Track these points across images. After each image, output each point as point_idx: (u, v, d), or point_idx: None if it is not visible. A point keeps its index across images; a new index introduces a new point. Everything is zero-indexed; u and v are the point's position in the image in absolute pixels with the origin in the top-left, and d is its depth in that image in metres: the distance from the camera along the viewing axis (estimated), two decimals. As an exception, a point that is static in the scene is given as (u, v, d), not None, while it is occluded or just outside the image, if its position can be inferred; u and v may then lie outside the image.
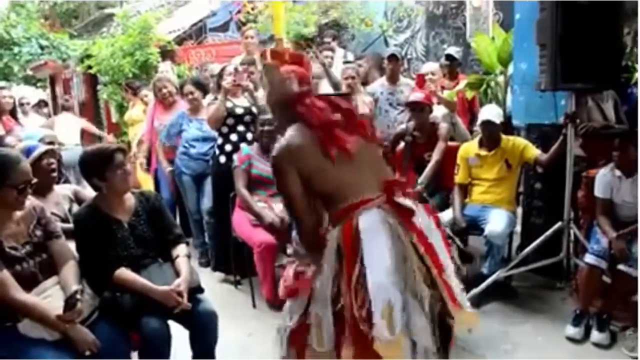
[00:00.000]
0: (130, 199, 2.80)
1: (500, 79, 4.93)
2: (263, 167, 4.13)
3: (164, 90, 5.33)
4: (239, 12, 8.84)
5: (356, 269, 1.95)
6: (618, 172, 3.47)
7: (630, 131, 3.57)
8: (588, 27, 3.34)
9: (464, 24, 7.21)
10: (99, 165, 2.67)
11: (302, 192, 2.09)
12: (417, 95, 4.47)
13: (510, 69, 4.79)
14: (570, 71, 3.37)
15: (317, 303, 2.05)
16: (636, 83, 4.30)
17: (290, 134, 2.14)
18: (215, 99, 4.43)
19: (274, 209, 3.99)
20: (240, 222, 4.10)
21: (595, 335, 3.33)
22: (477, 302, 3.67)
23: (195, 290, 2.75)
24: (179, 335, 2.72)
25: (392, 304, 1.92)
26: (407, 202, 2.09)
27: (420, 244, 2.01)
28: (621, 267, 3.27)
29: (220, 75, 4.47)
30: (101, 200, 2.72)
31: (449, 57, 5.49)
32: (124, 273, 2.62)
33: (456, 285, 2.10)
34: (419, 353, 1.99)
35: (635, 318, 3.24)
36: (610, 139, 3.84)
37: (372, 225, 2.02)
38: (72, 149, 6.46)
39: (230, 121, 4.41)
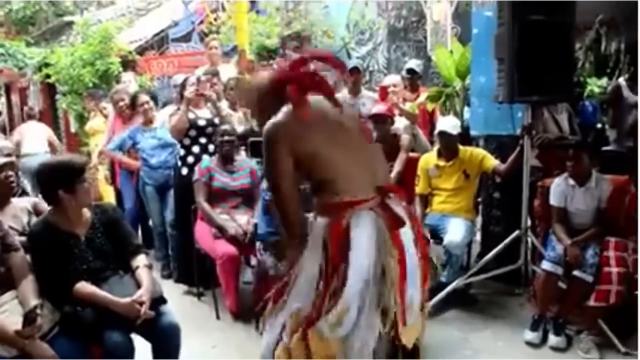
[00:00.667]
0: (86, 212, 2.76)
1: (459, 91, 5.05)
2: (224, 180, 4.14)
3: (121, 103, 5.28)
4: (201, 22, 8.80)
5: (340, 271, 1.92)
6: (572, 182, 3.60)
7: (584, 142, 3.71)
8: (543, 43, 3.47)
9: (425, 37, 7.36)
10: (69, 177, 2.62)
11: (292, 172, 2.00)
12: (380, 108, 4.55)
13: (469, 82, 4.91)
14: (526, 84, 3.50)
15: (299, 295, 2.01)
16: (589, 96, 4.50)
17: (287, 111, 2.04)
18: (178, 109, 4.40)
19: (237, 221, 4.00)
20: (203, 233, 4.08)
21: (553, 339, 3.43)
22: (437, 310, 3.74)
23: (158, 301, 2.72)
24: (142, 348, 2.69)
25: (349, 306, 1.92)
26: (400, 212, 2.07)
27: (398, 263, 1.98)
28: (576, 273, 3.39)
29: (182, 86, 4.45)
30: (57, 215, 2.67)
31: (410, 70, 5.60)
32: (84, 287, 2.57)
33: (413, 304, 2.06)
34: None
35: (590, 322, 3.37)
36: (565, 149, 4.00)
37: (362, 230, 1.98)
38: (41, 157, 6.32)
39: (192, 133, 4.39)
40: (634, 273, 3.29)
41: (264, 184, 3.66)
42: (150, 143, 4.77)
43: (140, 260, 2.79)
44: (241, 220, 4.01)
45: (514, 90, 3.52)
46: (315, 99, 2.09)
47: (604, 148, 4.30)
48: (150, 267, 2.81)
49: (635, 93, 4.27)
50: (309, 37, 7.69)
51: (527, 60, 3.49)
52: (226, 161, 4.19)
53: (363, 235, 1.98)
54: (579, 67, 4.84)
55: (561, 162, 3.96)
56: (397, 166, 4.46)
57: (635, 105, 4.07)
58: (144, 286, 2.65)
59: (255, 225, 3.90)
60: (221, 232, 3.95)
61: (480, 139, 4.75)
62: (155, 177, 4.78)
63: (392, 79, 5.21)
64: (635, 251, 3.38)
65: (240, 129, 4.66)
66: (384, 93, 4.83)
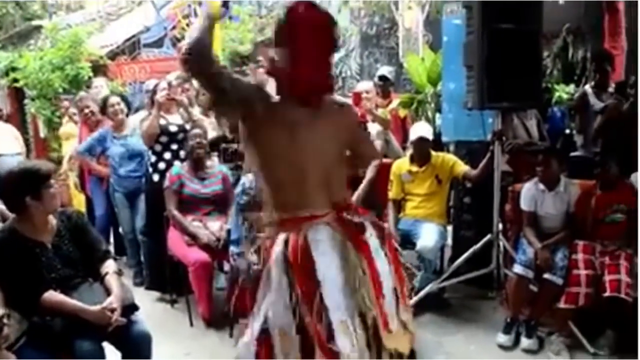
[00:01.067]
0: (52, 219, 2.70)
1: (430, 97, 5.12)
2: (195, 187, 4.10)
3: (86, 110, 5.16)
4: (173, 28, 8.74)
5: (312, 286, 1.87)
6: (541, 186, 3.68)
7: (553, 147, 3.79)
8: (511, 50, 3.55)
9: (397, 44, 7.45)
10: (35, 183, 2.56)
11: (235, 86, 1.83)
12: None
13: (440, 88, 4.98)
14: (496, 91, 3.57)
15: (276, 317, 1.93)
16: (557, 102, 4.61)
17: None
18: (150, 114, 4.35)
19: (210, 228, 3.97)
20: (175, 240, 4.03)
21: (525, 341, 3.49)
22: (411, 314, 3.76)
23: (130, 308, 2.68)
24: (113, 357, 2.64)
25: (345, 321, 1.87)
26: (358, 219, 2.00)
27: (367, 267, 1.94)
28: (546, 276, 3.45)
29: (153, 91, 4.40)
30: (22, 223, 2.61)
31: (382, 77, 5.65)
32: (52, 296, 2.52)
33: (392, 309, 2.00)
34: None
35: (560, 324, 3.43)
36: (534, 155, 4.08)
37: (322, 242, 1.92)
38: (14, 157, 6.26)
39: (163, 139, 4.34)
40: (601, 275, 3.36)
41: (239, 188, 3.64)
42: (119, 151, 4.69)
43: (109, 267, 2.74)
44: (214, 227, 3.98)
45: (483, 96, 3.58)
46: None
47: (572, 154, 4.39)
48: (119, 273, 2.77)
49: (601, 100, 4.38)
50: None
51: (496, 68, 3.55)
52: (197, 167, 4.14)
53: (324, 247, 1.92)
54: (548, 74, 4.95)
55: (531, 167, 4.04)
56: (370, 172, 4.48)
57: (600, 112, 4.18)
58: (114, 293, 2.61)
59: (229, 232, 3.87)
60: (194, 239, 3.91)
61: (451, 145, 4.82)
62: (124, 185, 4.72)
63: (365, 85, 5.24)
64: (602, 254, 3.45)
65: (212, 134, 4.64)
66: (357, 99, 4.85)
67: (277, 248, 1.94)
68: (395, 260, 2.12)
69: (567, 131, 4.51)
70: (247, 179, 3.65)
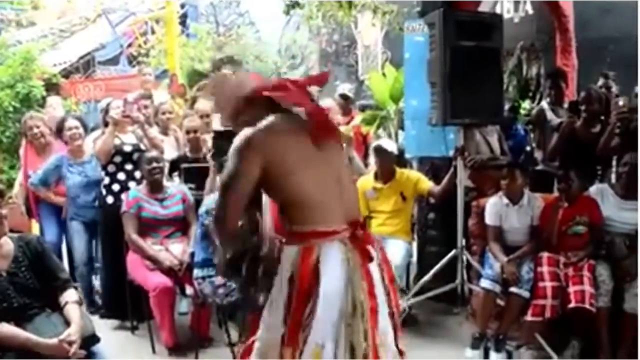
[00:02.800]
0: (7, 244, 2.56)
1: (393, 114, 5.15)
2: (154, 209, 3.97)
3: (35, 130, 4.71)
4: (130, 45, 8.57)
5: (308, 308, 1.83)
6: (506, 200, 3.72)
7: (516, 162, 3.84)
8: (473, 67, 3.60)
9: (356, 62, 7.51)
10: None
11: (253, 181, 1.87)
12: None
13: (402, 105, 5.02)
14: (458, 107, 3.61)
15: (269, 331, 1.91)
16: (526, 121, 4.69)
17: (272, 120, 1.88)
18: (103, 134, 4.20)
19: (172, 251, 3.85)
20: (135, 265, 3.89)
21: (494, 356, 3.49)
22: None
23: (90, 339, 2.54)
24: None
25: (323, 345, 1.83)
26: (370, 246, 1.98)
27: (369, 297, 1.90)
28: (513, 289, 3.47)
29: (106, 110, 4.25)
30: None
31: (343, 95, 5.66)
32: (4, 328, 2.37)
33: (388, 338, 1.98)
34: None
35: (528, 337, 3.45)
36: (497, 169, 4.14)
37: (333, 262, 1.89)
38: None
39: (117, 159, 4.20)
40: (566, 286, 3.40)
41: (202, 209, 3.53)
42: (76, 180, 4.42)
43: (69, 296, 2.60)
44: (176, 250, 3.86)
45: (446, 113, 3.61)
46: (298, 115, 1.99)
47: (533, 168, 4.47)
48: (80, 302, 2.63)
49: (558, 115, 4.49)
50: (240, 61, 7.65)
51: (458, 84, 3.60)
52: (155, 189, 4.01)
53: (333, 268, 1.89)
54: (504, 91, 5.05)
55: (493, 182, 4.10)
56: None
57: (556, 129, 4.28)
58: (74, 324, 2.47)
59: (192, 254, 3.75)
60: (155, 263, 3.78)
61: (414, 161, 4.85)
62: (82, 214, 4.46)
63: (327, 103, 5.23)
64: (566, 265, 3.50)
65: (172, 154, 4.53)
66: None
67: (287, 259, 1.91)
68: (392, 284, 2.10)
69: (528, 148, 4.59)
70: (211, 199, 3.56)
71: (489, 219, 3.77)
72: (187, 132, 4.36)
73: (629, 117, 3.79)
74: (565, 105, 4.55)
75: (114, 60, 8.86)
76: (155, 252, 3.81)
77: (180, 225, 4.05)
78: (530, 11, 6.40)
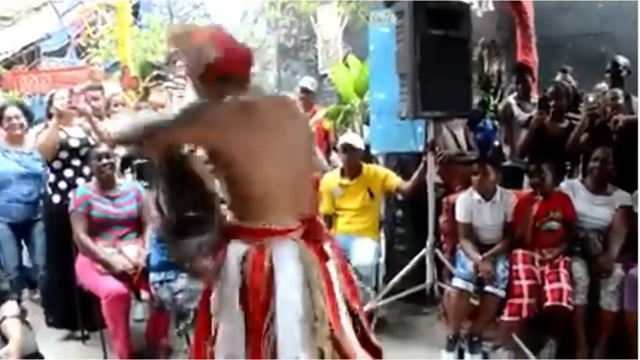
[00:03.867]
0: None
1: (358, 108, 5.00)
2: (105, 207, 3.69)
3: None
4: (78, 36, 8.10)
5: (267, 317, 1.68)
6: (477, 196, 3.61)
7: (488, 157, 3.75)
8: (443, 58, 3.46)
9: (316, 56, 7.33)
10: None
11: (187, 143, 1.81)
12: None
13: (367, 99, 4.87)
14: (429, 100, 3.46)
15: (226, 343, 1.74)
16: (492, 117, 4.61)
17: (232, 101, 1.73)
18: (47, 127, 3.88)
19: (125, 253, 3.58)
20: (85, 269, 3.60)
21: (469, 357, 3.38)
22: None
23: (31, 357, 2.26)
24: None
25: (298, 357, 1.69)
26: (324, 244, 1.86)
27: (328, 297, 1.77)
28: (488, 288, 3.37)
29: (50, 101, 3.93)
30: None
31: (304, 89, 5.47)
32: None
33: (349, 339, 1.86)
34: None
35: (504, 337, 3.35)
36: (465, 165, 4.04)
37: (288, 262, 1.74)
38: None
39: (63, 155, 3.88)
40: (542, 284, 3.32)
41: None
42: (10, 168, 4.05)
43: (8, 309, 2.32)
44: (130, 253, 3.60)
45: (417, 105, 3.46)
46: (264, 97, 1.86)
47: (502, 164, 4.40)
48: (21, 316, 2.34)
49: (525, 110, 4.44)
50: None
51: (429, 75, 3.45)
52: (106, 186, 3.73)
53: (289, 268, 1.75)
54: (481, 87, 4.99)
55: (462, 178, 4.00)
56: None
57: (525, 125, 4.23)
58: (12, 341, 2.19)
59: (148, 257, 3.49)
60: (107, 268, 3.50)
61: (380, 157, 4.70)
62: (11, 214, 4.09)
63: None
64: (541, 263, 3.42)
65: (124, 150, 4.22)
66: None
67: (233, 256, 1.75)
68: (349, 278, 1.98)
69: (497, 142, 4.52)
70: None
71: (459, 216, 3.66)
72: (143, 125, 4.07)
73: (599, 114, 3.75)
74: (532, 100, 4.50)
75: (60, 52, 8.36)
76: (107, 254, 3.54)
77: (134, 225, 3.78)
78: (492, 7, 6.36)
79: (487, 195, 3.60)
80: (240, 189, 1.75)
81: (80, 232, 3.59)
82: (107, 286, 3.42)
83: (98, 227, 3.65)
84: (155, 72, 4.84)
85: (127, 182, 3.91)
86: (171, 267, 3.29)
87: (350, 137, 4.11)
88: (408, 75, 3.47)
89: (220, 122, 1.70)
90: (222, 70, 1.74)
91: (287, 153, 1.79)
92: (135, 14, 7.44)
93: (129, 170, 4.17)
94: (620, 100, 3.85)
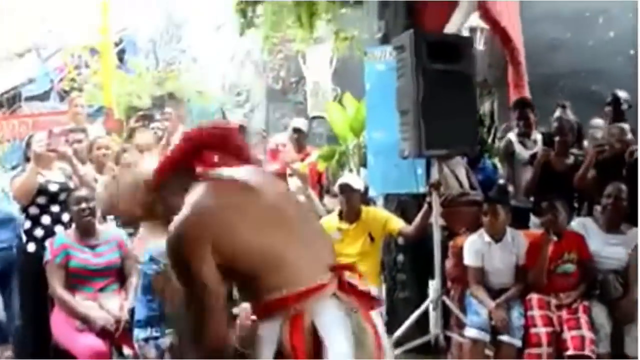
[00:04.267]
0: None
1: (354, 149, 4.82)
2: (85, 257, 3.44)
3: None
4: (61, 80, 7.90)
5: None
6: (487, 238, 3.42)
7: (498, 197, 3.58)
8: (447, 93, 3.33)
9: (305, 98, 7.22)
10: None
11: (221, 280, 1.48)
12: (274, 167, 4.17)
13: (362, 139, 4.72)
14: (433, 137, 3.29)
15: None
16: (490, 155, 4.46)
17: (200, 194, 1.51)
18: (24, 171, 3.66)
19: (106, 307, 3.32)
20: (61, 325, 3.34)
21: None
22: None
23: None
24: None
25: None
26: (367, 288, 1.66)
27: (376, 350, 1.52)
28: (504, 338, 3.15)
29: (27, 144, 3.74)
30: None
31: (297, 129, 5.31)
32: None
33: None
34: None
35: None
36: (469, 206, 3.85)
37: (334, 324, 1.48)
38: None
39: (41, 200, 3.65)
40: (560, 331, 3.12)
41: (145, 256, 3.00)
42: None
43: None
44: (112, 306, 3.33)
45: (421, 144, 3.29)
46: (235, 170, 1.63)
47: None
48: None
49: (526, 148, 4.29)
50: (181, 98, 7.23)
51: (432, 112, 3.31)
52: (86, 234, 3.49)
53: (337, 331, 1.48)
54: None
55: (466, 220, 3.81)
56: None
57: (530, 162, 4.08)
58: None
59: (132, 311, 3.19)
60: (86, 323, 3.23)
61: (378, 199, 4.50)
62: None
63: (280, 138, 4.87)
64: (558, 308, 3.22)
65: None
66: (274, 154, 4.45)
67: (267, 334, 1.49)
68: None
69: (501, 181, 4.35)
70: (154, 245, 3.04)
71: (469, 260, 3.44)
72: (127, 168, 3.84)
73: (607, 150, 3.62)
74: (533, 137, 4.36)
75: (43, 96, 8.15)
76: (86, 309, 3.27)
77: (116, 276, 3.52)
78: (482, 47, 6.33)
79: (497, 236, 3.41)
80: (251, 268, 1.51)
81: (56, 284, 3.33)
82: (85, 344, 3.19)
83: (76, 278, 3.40)
84: (141, 112, 4.64)
85: (108, 230, 3.64)
86: (158, 323, 3.00)
87: (349, 178, 3.91)
88: (410, 112, 3.32)
89: (204, 232, 1.48)
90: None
91: (284, 217, 1.58)
92: (121, 59, 7.31)
93: (111, 216, 3.92)
94: (629, 136, 3.71)
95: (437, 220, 3.59)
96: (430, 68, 3.28)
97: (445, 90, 3.35)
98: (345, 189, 3.77)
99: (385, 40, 4.07)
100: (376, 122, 4.15)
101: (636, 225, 3.43)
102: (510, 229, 3.44)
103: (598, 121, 4.79)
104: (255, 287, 1.50)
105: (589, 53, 6.05)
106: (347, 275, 1.59)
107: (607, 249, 3.35)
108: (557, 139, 3.87)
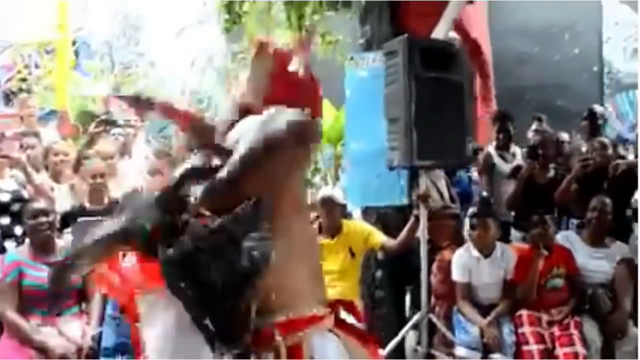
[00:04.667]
0: None
1: (329, 160, 4.66)
2: (41, 276, 3.06)
3: None
4: (9, 80, 7.36)
5: None
6: (476, 253, 3.33)
7: (485, 210, 3.48)
8: (439, 102, 3.21)
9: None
10: None
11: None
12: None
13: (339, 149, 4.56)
14: (425, 147, 3.15)
15: None
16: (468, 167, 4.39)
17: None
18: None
19: (66, 333, 3.00)
20: (11, 354, 2.99)
21: None
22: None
23: None
24: None
25: None
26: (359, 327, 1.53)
27: None
28: (496, 356, 3.04)
29: None
30: None
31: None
32: None
33: None
34: None
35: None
36: (451, 218, 3.74)
37: (336, 354, 1.35)
38: None
39: None
40: (552, 348, 3.04)
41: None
42: None
43: None
44: (72, 332, 3.02)
45: (412, 153, 3.14)
46: None
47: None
48: None
49: (505, 161, 4.25)
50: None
51: (425, 121, 3.16)
52: (43, 250, 3.16)
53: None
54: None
55: (448, 233, 3.70)
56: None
57: (512, 175, 4.04)
58: None
59: (99, 336, 2.91)
60: (42, 353, 2.90)
61: (356, 212, 4.34)
62: None
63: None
64: (549, 324, 3.14)
65: (66, 205, 3.67)
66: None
67: None
68: None
69: (485, 193, 4.28)
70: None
71: (457, 275, 3.33)
72: (93, 177, 3.56)
73: (591, 164, 3.60)
74: (512, 150, 4.32)
75: (-12, 99, 7.59)
76: (43, 335, 2.95)
77: (76, 297, 3.20)
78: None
79: (486, 251, 3.33)
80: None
81: (7, 307, 3.00)
82: (42, 376, 2.86)
83: (31, 300, 3.06)
84: (103, 117, 4.33)
85: (69, 246, 3.32)
86: (128, 350, 2.72)
87: (330, 190, 3.73)
88: (401, 120, 3.17)
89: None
90: None
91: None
92: (73, 61, 6.88)
93: (69, 230, 3.59)
94: (610, 150, 3.72)
95: (424, 234, 3.46)
96: (423, 75, 3.15)
97: (437, 98, 3.23)
98: (328, 202, 3.58)
99: (368, 46, 3.94)
100: (356, 131, 3.98)
101: (619, 239, 3.43)
102: (499, 244, 3.37)
103: (564, 135, 4.84)
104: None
105: (555, 68, 6.19)
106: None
107: (593, 263, 3.32)
108: (540, 152, 3.83)
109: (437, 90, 3.20)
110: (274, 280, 1.25)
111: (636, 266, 3.24)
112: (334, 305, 1.46)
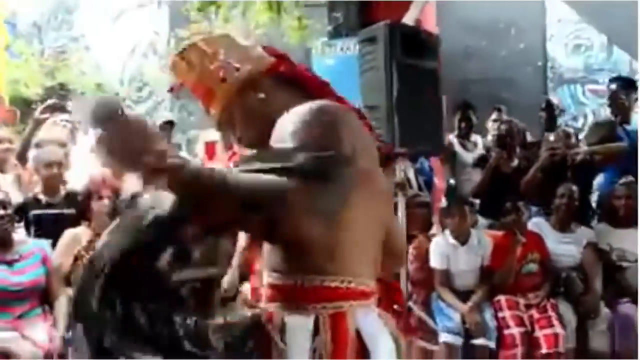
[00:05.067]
0: None
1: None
2: (1, 277, 2.86)
3: None
4: None
5: None
6: (452, 240, 3.36)
7: (464, 198, 3.52)
8: (417, 89, 3.17)
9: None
10: None
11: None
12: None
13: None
14: (406, 135, 3.12)
15: None
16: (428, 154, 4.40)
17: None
18: None
19: (31, 337, 2.77)
20: None
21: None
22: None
23: None
24: None
25: None
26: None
27: None
28: (478, 341, 3.09)
29: None
30: None
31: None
32: None
33: None
34: None
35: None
36: (422, 207, 3.75)
37: (379, 336, 1.23)
38: None
39: None
40: (532, 331, 3.13)
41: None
42: None
43: None
44: (38, 336, 2.79)
45: (394, 141, 3.10)
46: None
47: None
48: None
49: (466, 149, 4.32)
50: (75, 90, 6.43)
51: (404, 108, 3.12)
52: (0, 248, 2.91)
53: (381, 344, 1.24)
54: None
55: (419, 221, 3.70)
56: (242, 240, 3.64)
57: (477, 164, 4.11)
58: None
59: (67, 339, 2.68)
60: (5, 358, 2.68)
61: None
62: None
63: (213, 135, 4.43)
64: (527, 307, 3.23)
65: (16, 198, 3.33)
66: (211, 150, 4.03)
67: (300, 326, 1.21)
68: None
69: (452, 181, 4.32)
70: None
71: (435, 262, 3.35)
72: (48, 166, 3.25)
73: (560, 153, 3.72)
74: (473, 139, 4.40)
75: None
76: (6, 341, 2.71)
77: (39, 297, 2.96)
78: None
79: (462, 238, 3.37)
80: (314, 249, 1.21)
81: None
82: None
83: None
84: (51, 101, 3.95)
85: (28, 242, 3.03)
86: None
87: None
88: (382, 108, 3.11)
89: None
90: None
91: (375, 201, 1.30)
92: (0, 40, 6.30)
93: (21, 224, 3.27)
94: (573, 140, 3.87)
95: (403, 222, 3.43)
96: (404, 62, 3.11)
97: (415, 85, 3.20)
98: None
99: (336, 33, 3.87)
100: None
101: (582, 224, 3.58)
102: (475, 231, 3.43)
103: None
104: (303, 260, 1.21)
105: (501, 62, 6.35)
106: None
107: (561, 247, 3.45)
108: (508, 141, 3.92)
109: (415, 77, 3.17)
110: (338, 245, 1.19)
111: (600, 249, 3.39)
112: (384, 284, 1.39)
